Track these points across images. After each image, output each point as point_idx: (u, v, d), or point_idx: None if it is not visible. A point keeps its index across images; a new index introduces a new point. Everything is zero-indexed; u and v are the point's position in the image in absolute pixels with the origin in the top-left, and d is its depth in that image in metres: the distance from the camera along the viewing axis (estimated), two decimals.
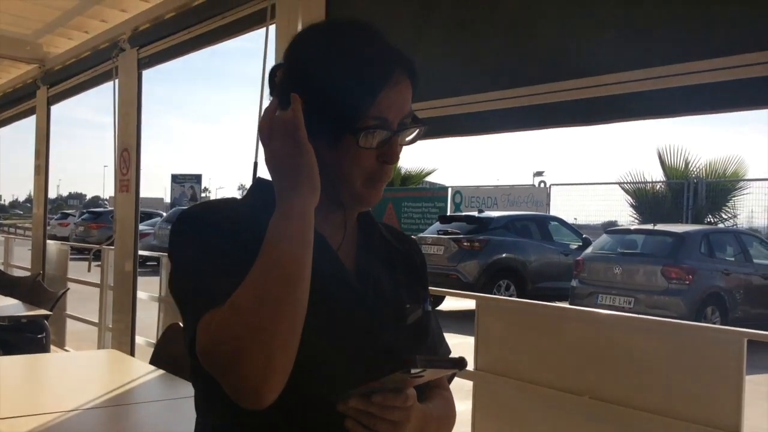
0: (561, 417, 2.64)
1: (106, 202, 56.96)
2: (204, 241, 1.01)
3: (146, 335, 5.24)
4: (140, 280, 4.98)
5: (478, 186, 21.11)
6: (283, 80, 1.07)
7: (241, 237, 0.99)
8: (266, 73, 1.20)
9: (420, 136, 1.10)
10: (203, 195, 41.95)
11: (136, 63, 4.77)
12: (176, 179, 34.68)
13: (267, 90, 1.13)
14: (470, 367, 2.86)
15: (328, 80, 1.02)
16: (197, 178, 35.66)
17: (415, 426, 1.02)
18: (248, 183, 1.68)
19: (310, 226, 0.97)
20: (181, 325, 3.10)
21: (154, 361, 2.85)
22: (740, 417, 2.15)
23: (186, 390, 2.50)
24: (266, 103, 1.11)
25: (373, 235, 1.19)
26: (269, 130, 1.00)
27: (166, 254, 5.78)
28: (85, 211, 28.15)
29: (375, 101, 1.02)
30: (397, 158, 1.07)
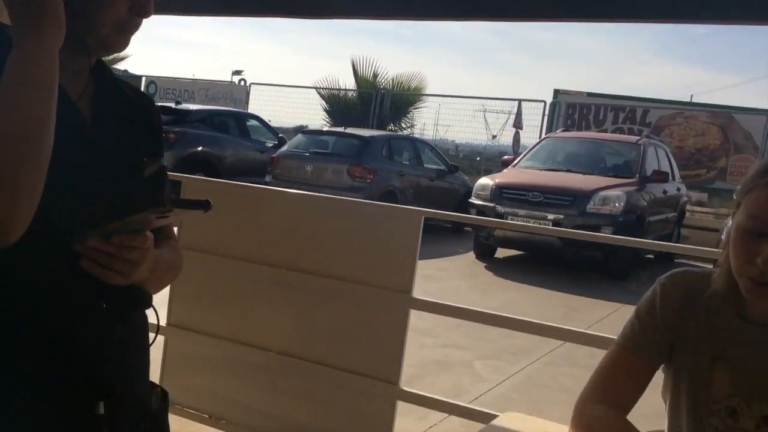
0: (262, 287, 2.86)
1: None
2: None
3: None
4: None
5: (174, 78, 20.26)
6: None
7: None
8: None
9: None
10: None
11: None
12: None
13: None
14: None
15: None
16: None
17: (147, 267, 1.08)
18: None
19: (56, 68, 0.94)
20: None
21: None
22: (412, 281, 2.55)
23: None
24: None
25: (110, 87, 1.18)
26: None
27: None
28: None
29: None
30: (150, 12, 1.08)
